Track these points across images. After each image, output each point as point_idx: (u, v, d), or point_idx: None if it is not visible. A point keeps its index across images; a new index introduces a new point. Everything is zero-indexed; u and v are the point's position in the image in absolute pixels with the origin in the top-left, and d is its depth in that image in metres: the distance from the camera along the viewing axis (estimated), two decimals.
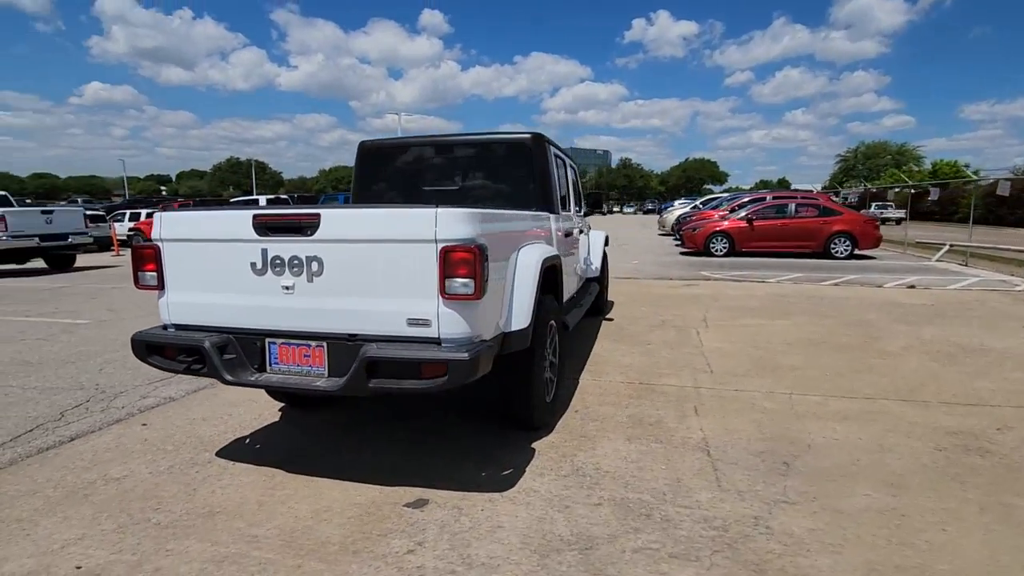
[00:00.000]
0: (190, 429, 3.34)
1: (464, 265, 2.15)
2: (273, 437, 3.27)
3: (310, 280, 2.35)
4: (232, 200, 21.26)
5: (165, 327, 2.63)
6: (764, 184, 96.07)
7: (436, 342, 2.25)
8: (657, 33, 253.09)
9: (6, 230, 11.34)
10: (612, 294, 7.90)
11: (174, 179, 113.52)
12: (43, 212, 12.26)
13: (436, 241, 2.17)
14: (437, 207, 2.20)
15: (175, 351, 2.50)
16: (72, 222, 12.59)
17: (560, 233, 4.03)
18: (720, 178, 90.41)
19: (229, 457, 2.97)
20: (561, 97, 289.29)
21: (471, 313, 2.26)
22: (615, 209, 69.70)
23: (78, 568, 2.05)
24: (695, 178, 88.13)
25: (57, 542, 2.22)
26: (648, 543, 2.18)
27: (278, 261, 2.37)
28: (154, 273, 2.57)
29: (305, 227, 2.32)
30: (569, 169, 4.83)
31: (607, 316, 6.50)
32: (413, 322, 2.25)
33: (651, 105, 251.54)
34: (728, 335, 5.55)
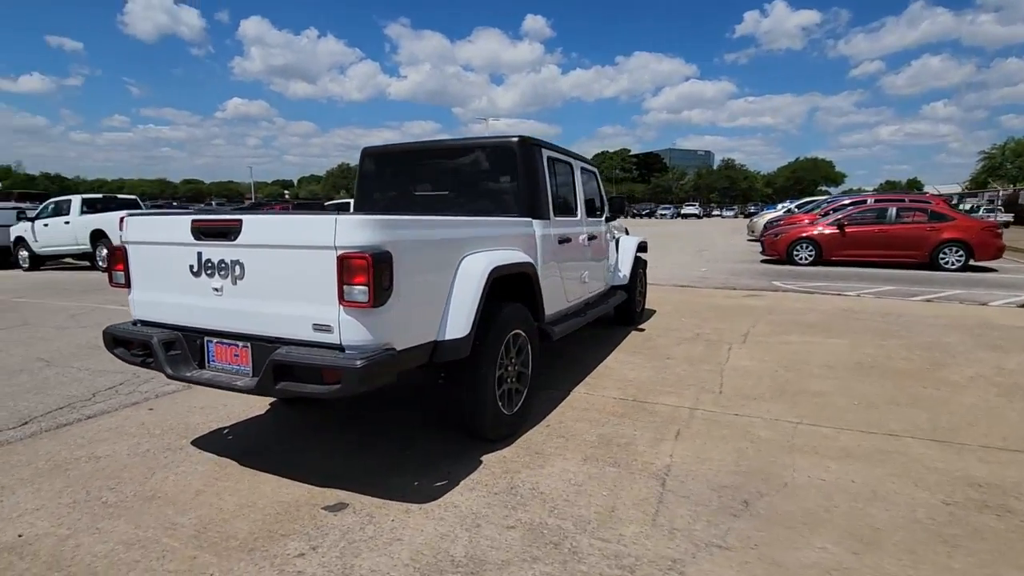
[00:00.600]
0: (184, 416, 3.62)
1: (360, 272, 2.14)
2: (249, 430, 3.45)
3: (234, 283, 2.45)
4: (326, 204, 22.77)
5: (134, 323, 2.87)
6: (891, 185, 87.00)
7: (339, 348, 2.26)
8: (772, 25, 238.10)
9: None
10: (660, 303, 7.53)
11: (296, 183, 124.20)
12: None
13: (335, 248, 2.18)
14: (339, 214, 2.21)
15: (133, 345, 2.72)
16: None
17: (553, 239, 3.89)
18: (835, 179, 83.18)
19: (200, 446, 3.18)
20: (664, 97, 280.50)
21: (373, 321, 2.25)
22: (714, 213, 65.82)
23: (19, 536, 2.29)
24: (806, 179, 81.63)
25: (19, 510, 2.49)
26: (539, 574, 2.03)
27: (209, 264, 2.50)
28: (122, 272, 2.82)
29: (229, 232, 2.43)
30: (579, 173, 4.65)
31: (639, 327, 6.18)
32: (318, 327, 2.28)
33: (762, 102, 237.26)
34: (764, 352, 5.07)
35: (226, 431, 3.41)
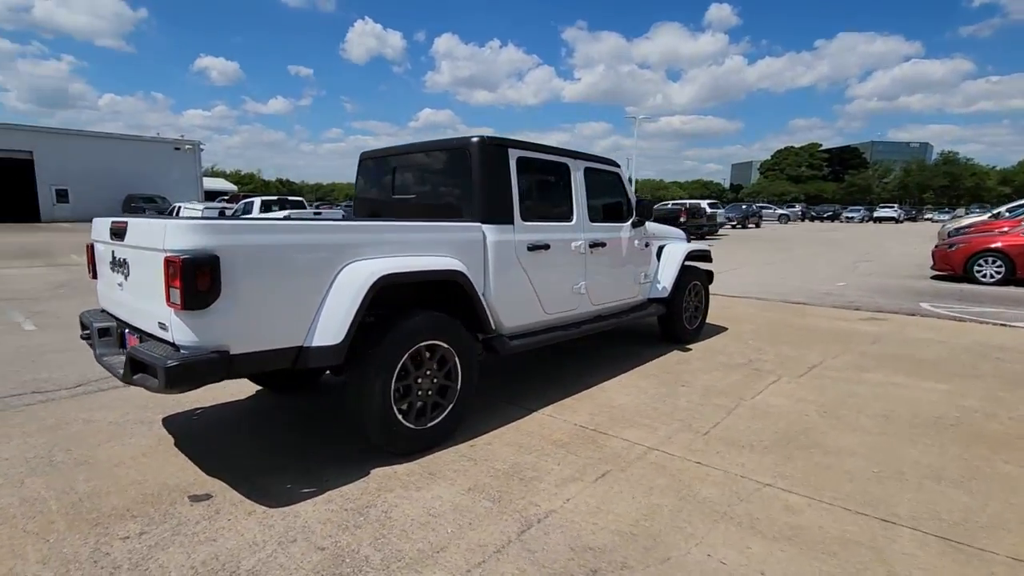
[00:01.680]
0: (185, 394, 4.08)
1: (176, 275, 2.21)
2: (218, 413, 3.78)
3: (126, 278, 2.70)
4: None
5: (101, 310, 3.32)
6: None
7: (174, 347, 2.36)
8: None
9: None
10: (741, 321, 6.63)
11: None
12: (315, 213, 16.02)
13: (164, 251, 2.27)
14: (170, 219, 2.30)
15: (84, 328, 3.15)
16: None
17: (516, 246, 3.62)
18: None
19: (166, 422, 3.56)
20: (875, 81, 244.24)
21: (200, 322, 2.30)
22: (926, 216, 54.52)
23: None
24: None
25: None
26: None
27: (116, 261, 2.80)
28: (91, 266, 3.28)
29: (121, 233, 2.68)
30: (578, 174, 4.23)
31: (687, 346, 5.46)
32: (161, 325, 2.40)
33: (1011, 82, 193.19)
34: (813, 391, 4.14)
35: (199, 412, 3.78)
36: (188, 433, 3.40)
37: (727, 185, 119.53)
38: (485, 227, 3.49)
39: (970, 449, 3.15)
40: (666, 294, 5.19)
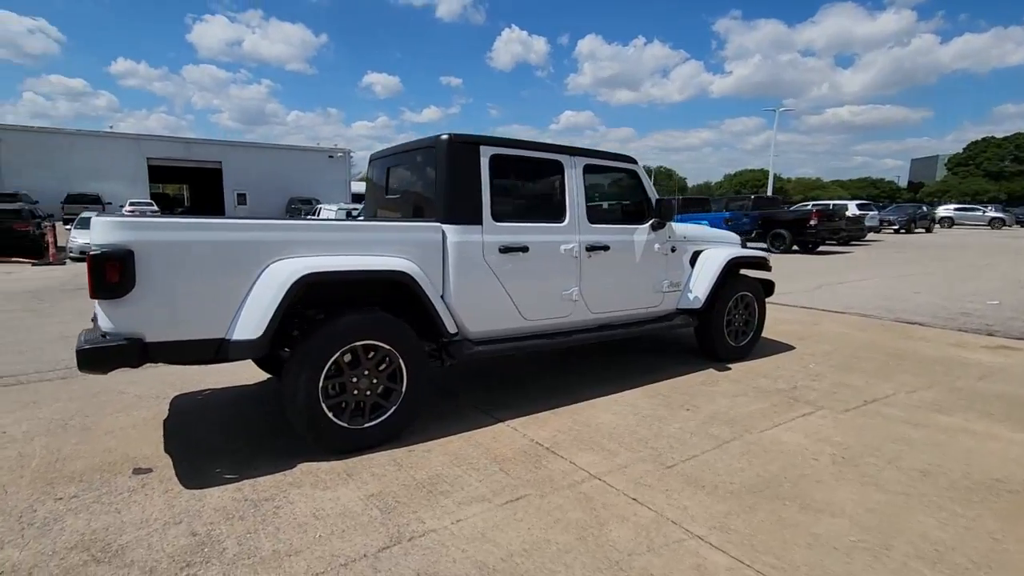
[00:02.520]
0: (202, 375, 4.50)
1: (89, 268, 2.43)
2: (220, 396, 4.11)
3: None
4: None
5: None
6: None
7: (102, 334, 2.59)
8: None
9: None
10: (826, 340, 5.77)
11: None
12: None
13: (92, 245, 2.52)
14: (100, 215, 2.54)
15: None
16: None
17: (484, 247, 3.46)
18: None
19: (175, 400, 3.97)
20: None
21: (116, 311, 2.51)
22: None
23: (3, 432, 3.36)
24: None
25: (25, 418, 3.61)
26: None
27: None
28: None
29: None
30: (576, 172, 3.91)
31: (727, 364, 4.82)
32: (94, 316, 2.66)
33: None
34: (847, 431, 3.41)
35: (207, 393, 4.16)
36: (182, 411, 3.76)
37: (903, 183, 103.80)
38: (447, 227, 3.38)
39: (1015, 526, 2.37)
40: (699, 305, 4.62)
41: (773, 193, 37.53)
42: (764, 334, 5.87)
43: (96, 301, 2.55)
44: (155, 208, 29.85)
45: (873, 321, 6.78)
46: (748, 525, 2.40)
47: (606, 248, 4.06)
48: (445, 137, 3.46)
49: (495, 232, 3.53)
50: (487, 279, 3.51)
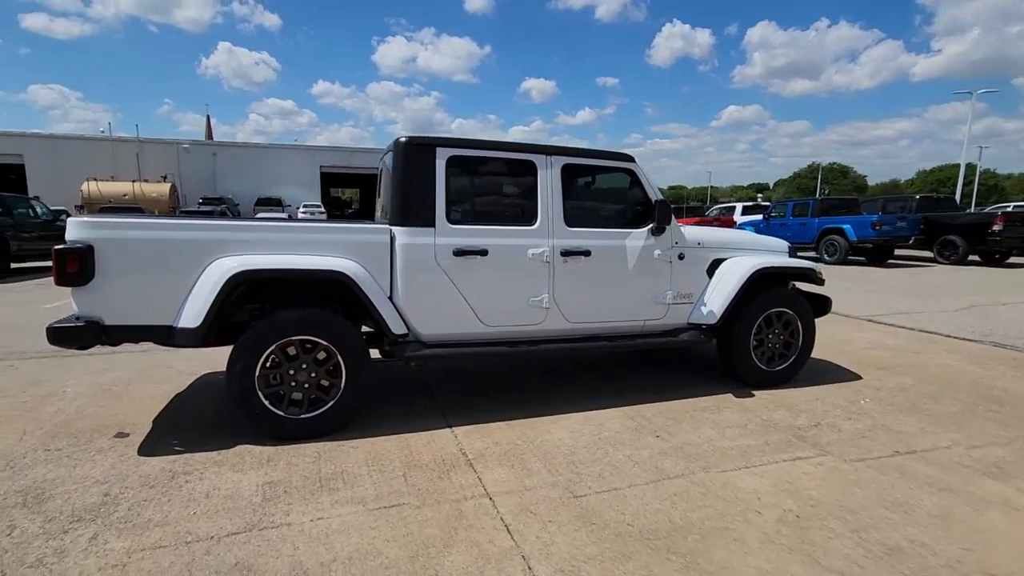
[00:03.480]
0: (212, 356, 4.98)
1: (53, 260, 2.88)
2: None
3: None
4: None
5: None
6: None
7: (75, 316, 3.06)
8: None
9: None
10: (916, 371, 4.81)
11: (771, 187, 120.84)
12: None
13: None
14: (80, 216, 3.00)
15: None
16: None
17: (436, 250, 3.43)
18: None
19: (202, 378, 4.53)
20: None
21: (80, 297, 2.93)
22: None
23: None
24: None
25: (36, 379, 4.39)
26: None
27: None
28: None
29: None
30: (552, 173, 3.66)
31: (751, 391, 4.18)
32: None
33: None
34: (833, 486, 2.78)
35: (208, 373, 4.66)
36: (197, 388, 4.28)
37: None
38: (396, 229, 3.42)
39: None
40: (713, 320, 4.07)
41: (969, 192, 31.39)
42: (837, 359, 5.04)
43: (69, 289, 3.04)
44: (322, 210, 34.06)
45: (1006, 353, 5.38)
46: (603, 574, 2.09)
47: (586, 253, 3.77)
48: (403, 140, 3.50)
49: (449, 235, 3.48)
50: (439, 282, 3.48)
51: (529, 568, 2.12)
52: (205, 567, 2.11)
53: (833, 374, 4.69)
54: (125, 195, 30.67)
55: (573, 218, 3.77)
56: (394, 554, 2.21)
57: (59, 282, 2.92)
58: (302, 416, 3.26)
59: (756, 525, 2.42)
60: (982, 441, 3.31)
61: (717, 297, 4.10)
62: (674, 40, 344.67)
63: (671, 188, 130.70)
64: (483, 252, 3.53)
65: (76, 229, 2.95)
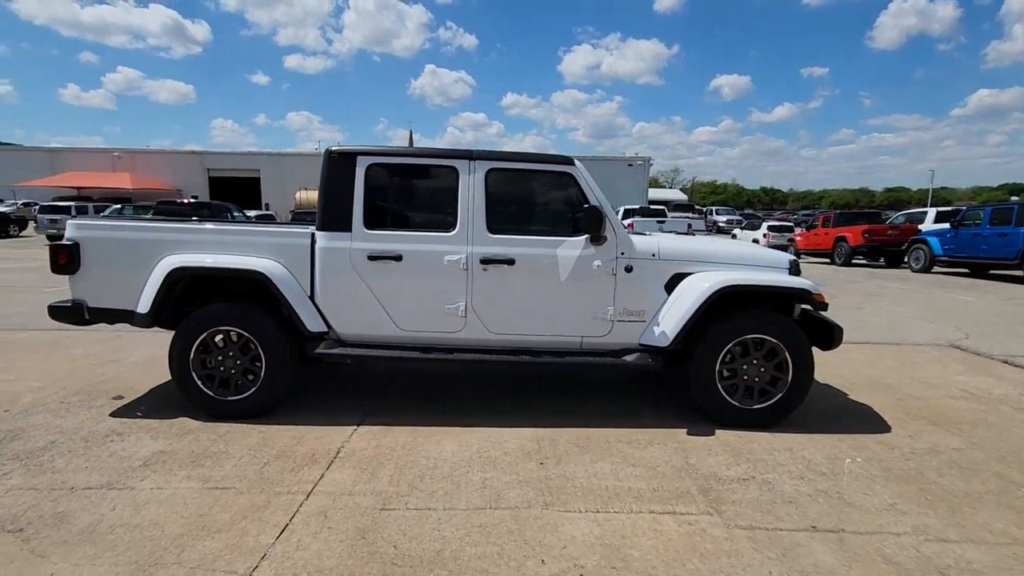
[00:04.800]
0: None
1: (49, 254, 3.64)
2: None
3: None
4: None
5: None
6: None
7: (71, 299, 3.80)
8: None
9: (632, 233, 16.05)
10: (965, 427, 3.73)
11: None
12: (658, 221, 16.19)
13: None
14: (81, 218, 3.75)
15: None
16: (676, 228, 15.97)
17: (351, 254, 3.57)
18: None
19: None
20: None
21: (74, 284, 3.66)
22: None
23: None
24: None
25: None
26: None
27: None
28: None
29: None
30: (476, 177, 3.53)
31: (715, 429, 3.55)
32: None
33: None
34: (661, 545, 2.29)
35: None
36: None
37: None
38: (318, 233, 3.63)
39: None
40: (665, 343, 3.56)
41: None
42: (891, 404, 4.09)
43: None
44: None
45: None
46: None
47: (510, 262, 3.59)
48: (328, 149, 3.71)
49: (365, 240, 3.60)
50: (355, 285, 3.61)
51: (255, 567, 2.16)
52: (39, 510, 2.54)
53: (861, 420, 3.77)
54: None
55: (497, 225, 3.62)
56: (170, 529, 2.41)
57: (53, 271, 3.70)
58: (229, 398, 3.65)
59: (523, 574, 2.13)
60: (963, 536, 2.42)
61: (672, 317, 3.58)
62: (905, 17, 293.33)
63: (888, 190, 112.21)
64: (397, 258, 3.59)
65: (69, 229, 3.71)
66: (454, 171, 3.64)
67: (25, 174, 34.68)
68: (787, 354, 3.57)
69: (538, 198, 3.82)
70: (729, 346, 3.57)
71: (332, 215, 3.64)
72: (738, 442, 3.40)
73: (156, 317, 3.61)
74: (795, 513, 2.60)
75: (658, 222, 16.23)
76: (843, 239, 17.19)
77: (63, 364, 4.90)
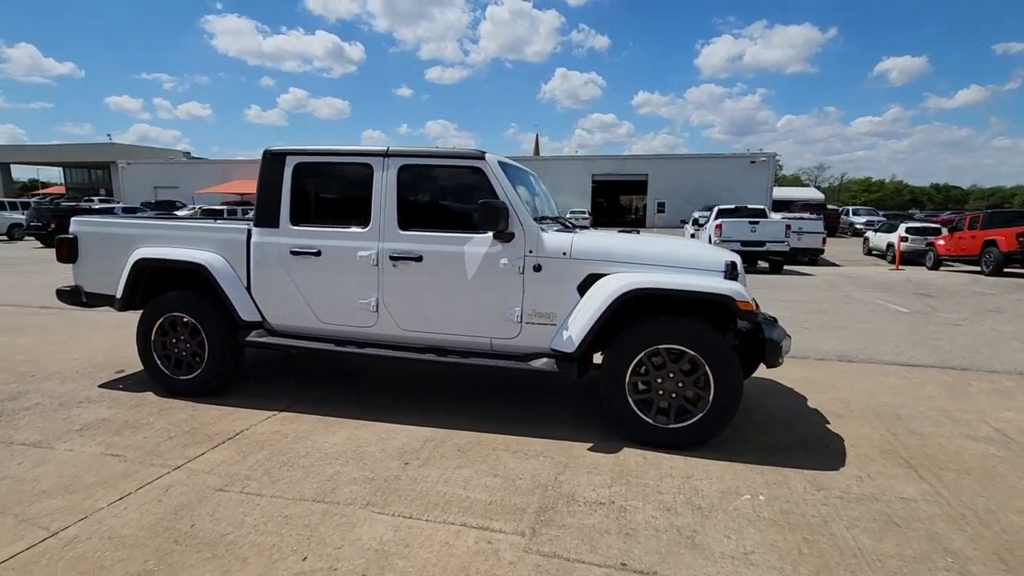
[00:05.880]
0: None
1: (55, 245, 4.29)
2: None
3: None
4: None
5: None
6: None
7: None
8: None
9: (720, 235, 14.81)
10: (972, 463, 3.09)
11: None
12: (751, 222, 14.78)
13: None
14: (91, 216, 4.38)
15: None
16: (772, 231, 14.46)
17: (277, 248, 3.78)
18: None
19: None
20: None
21: (73, 271, 4.29)
22: None
23: None
24: None
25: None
26: None
27: None
28: None
29: None
30: (388, 175, 3.53)
31: (619, 445, 3.20)
32: None
33: None
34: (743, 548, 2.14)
35: None
36: None
37: None
38: (254, 229, 3.89)
39: None
40: (571, 348, 3.30)
41: None
42: (865, 446, 3.51)
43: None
44: (586, 216, 35.86)
45: None
46: (90, 548, 2.21)
47: (418, 259, 3.56)
48: (265, 151, 3.94)
49: (289, 235, 3.79)
50: (281, 278, 3.82)
51: (66, 527, 2.39)
52: None
53: (813, 454, 3.20)
54: None
55: (408, 221, 3.61)
56: (41, 486, 2.74)
57: (58, 260, 4.37)
58: (180, 377, 4.05)
59: (276, 567, 2.12)
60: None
61: (579, 321, 3.31)
62: None
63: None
64: (316, 253, 3.73)
65: (72, 225, 4.35)
66: (370, 168, 3.69)
67: (204, 183, 41.05)
68: (707, 368, 3.13)
69: (449, 194, 3.73)
70: (640, 356, 3.22)
71: (264, 212, 3.87)
72: (636, 464, 3.05)
73: (130, 302, 4.11)
74: (617, 547, 2.28)
75: (750, 223, 14.81)
76: (993, 243, 14.42)
77: (111, 341, 5.73)
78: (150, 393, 4.11)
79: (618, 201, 59.13)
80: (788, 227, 14.60)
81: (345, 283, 3.72)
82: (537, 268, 3.44)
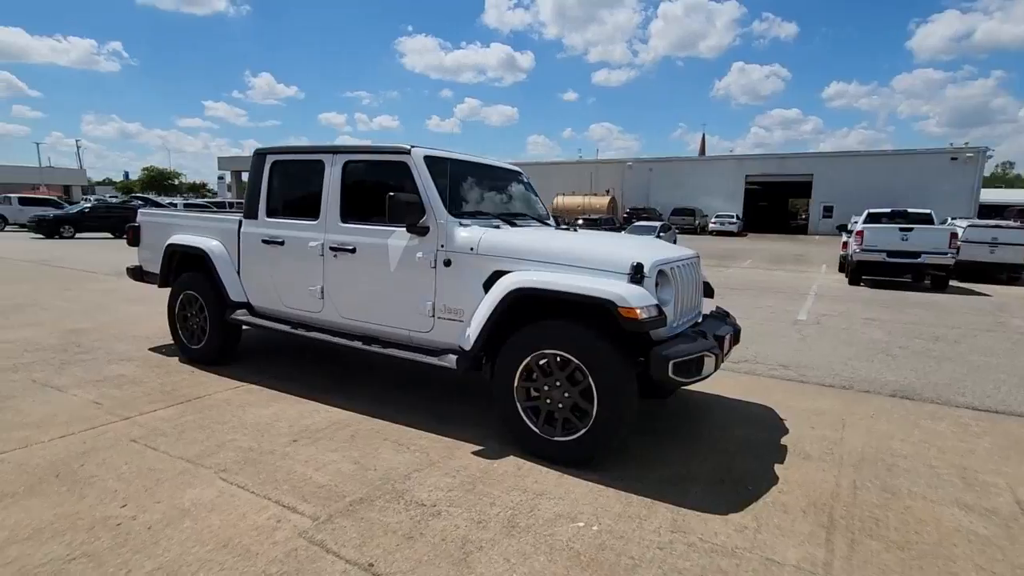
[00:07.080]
0: None
1: (125, 233, 5.24)
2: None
3: None
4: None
5: None
6: None
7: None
8: None
9: (861, 243, 12.67)
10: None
11: None
12: (901, 229, 12.39)
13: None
14: (143, 210, 5.30)
15: None
16: (931, 240, 11.99)
17: (254, 238, 4.24)
18: None
19: None
20: None
21: (138, 253, 5.24)
22: None
23: None
24: None
25: None
26: None
27: None
28: None
29: None
30: (334, 170, 3.74)
31: (535, 458, 3.01)
32: None
33: None
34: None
35: None
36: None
37: None
38: (244, 220, 4.40)
39: None
40: (468, 346, 3.20)
41: None
42: (794, 494, 3.03)
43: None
44: (733, 220, 33.18)
45: None
46: None
47: (352, 250, 3.73)
48: (254, 151, 4.41)
49: (264, 226, 4.21)
50: (259, 264, 4.27)
51: (3, 452, 2.98)
52: None
53: (719, 496, 2.71)
54: (578, 205, 38.16)
55: (349, 214, 3.79)
56: (31, 419, 3.43)
57: (128, 244, 5.35)
58: (192, 347, 4.73)
59: (88, 506, 2.44)
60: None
61: (477, 318, 3.20)
62: None
63: None
64: (281, 242, 4.10)
65: (137, 216, 5.31)
66: (322, 164, 3.95)
67: None
68: (590, 380, 2.82)
69: (382, 188, 3.81)
70: (527, 360, 3.01)
71: (249, 205, 4.35)
72: (503, 473, 2.87)
73: (165, 280, 4.90)
74: (385, 547, 2.20)
75: (900, 230, 12.25)
76: None
77: None
78: (175, 359, 4.85)
79: (785, 205, 53.56)
80: (954, 236, 11.96)
81: (301, 270, 4.03)
82: (447, 263, 3.39)
